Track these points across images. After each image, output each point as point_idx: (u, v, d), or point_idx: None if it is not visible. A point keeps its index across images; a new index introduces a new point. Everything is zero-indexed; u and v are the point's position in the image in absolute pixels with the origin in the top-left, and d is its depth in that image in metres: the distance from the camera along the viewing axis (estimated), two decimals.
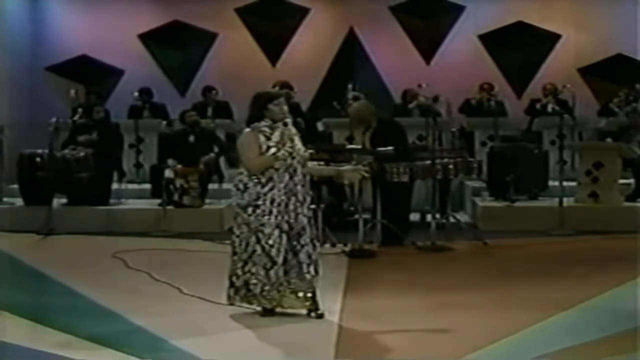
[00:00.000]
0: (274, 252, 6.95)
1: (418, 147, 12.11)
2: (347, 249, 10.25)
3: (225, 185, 13.30)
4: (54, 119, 12.41)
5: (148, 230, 11.77)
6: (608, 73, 15.98)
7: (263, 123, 7.09)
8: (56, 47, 16.54)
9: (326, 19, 16.91)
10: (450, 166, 11.05)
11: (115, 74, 16.69)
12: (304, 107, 15.36)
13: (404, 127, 11.60)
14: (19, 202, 12.85)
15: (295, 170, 7.06)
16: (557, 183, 12.25)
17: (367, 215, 10.84)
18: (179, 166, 12.43)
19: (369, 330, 6.80)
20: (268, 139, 7.02)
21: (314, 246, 7.17)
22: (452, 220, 11.33)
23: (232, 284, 7.14)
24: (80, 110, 13.83)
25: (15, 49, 15.55)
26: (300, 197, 7.07)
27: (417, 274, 9.17)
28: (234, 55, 16.69)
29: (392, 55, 16.67)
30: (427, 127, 12.19)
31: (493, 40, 16.53)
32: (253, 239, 6.99)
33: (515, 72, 16.50)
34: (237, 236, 7.09)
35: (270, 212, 6.96)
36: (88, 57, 16.54)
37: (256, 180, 7.00)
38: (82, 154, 12.67)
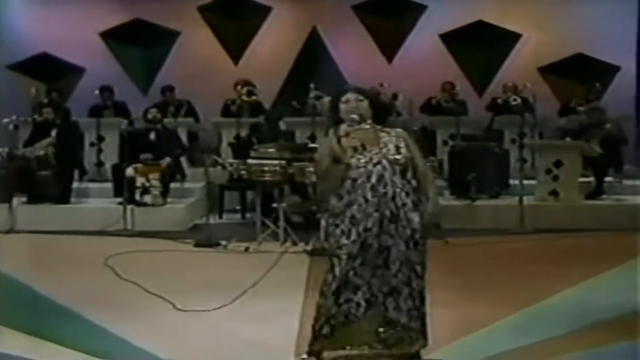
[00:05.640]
0: (342, 280, 5.64)
1: None
2: (308, 247, 10.22)
3: (187, 184, 13.32)
4: (13, 117, 12.31)
5: (109, 229, 11.66)
6: (568, 72, 16.05)
7: (343, 126, 5.73)
8: (17, 45, 16.38)
9: (289, 18, 16.88)
10: None
11: (76, 72, 16.57)
12: (267, 105, 15.36)
13: None
14: None
15: (380, 180, 5.66)
16: (517, 181, 12.28)
17: None
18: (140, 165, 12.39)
19: None
20: (340, 144, 5.67)
21: (405, 273, 5.71)
22: None
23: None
24: (47, 109, 13.70)
25: None
26: (387, 212, 5.62)
27: None
28: (197, 54, 16.62)
29: (354, 54, 16.67)
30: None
31: (454, 40, 16.56)
32: (328, 265, 5.72)
33: (477, 71, 16.54)
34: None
35: (349, 232, 5.64)
36: (49, 55, 16.42)
37: (337, 196, 5.71)
38: (42, 152, 12.57)
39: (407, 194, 5.69)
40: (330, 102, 5.98)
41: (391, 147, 5.75)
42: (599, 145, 12.77)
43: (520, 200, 11.86)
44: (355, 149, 5.67)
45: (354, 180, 5.67)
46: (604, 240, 10.74)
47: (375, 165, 5.68)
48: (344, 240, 5.63)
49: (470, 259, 10.03)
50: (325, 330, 5.77)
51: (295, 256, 9.85)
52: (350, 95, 5.86)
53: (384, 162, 5.69)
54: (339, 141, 5.66)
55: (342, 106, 5.84)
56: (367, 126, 5.79)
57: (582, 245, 10.55)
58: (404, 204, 5.66)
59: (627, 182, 13.51)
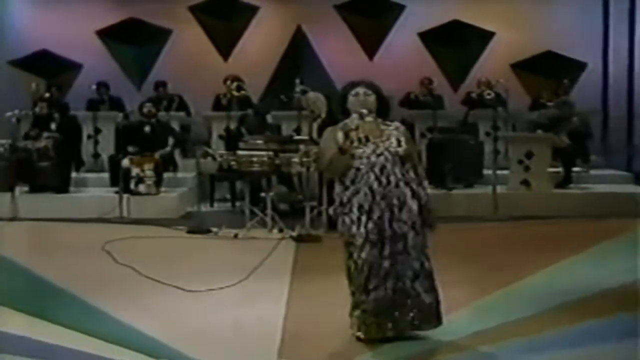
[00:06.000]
0: (367, 268, 5.68)
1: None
2: (294, 234, 10.25)
3: (179, 175, 13.34)
4: (15, 111, 12.30)
5: (106, 216, 11.67)
6: (538, 68, 16.09)
7: (353, 120, 5.80)
8: (18, 42, 16.34)
9: (275, 17, 16.86)
10: None
11: (74, 68, 16.52)
12: (255, 100, 15.34)
13: None
14: None
15: (382, 170, 5.70)
16: (491, 172, 12.34)
17: (313, 203, 10.85)
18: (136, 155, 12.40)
19: (314, 310, 6.80)
20: (347, 136, 5.73)
21: (421, 258, 5.86)
22: None
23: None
24: (44, 104, 13.68)
25: None
26: (395, 200, 5.69)
27: None
28: (188, 51, 16.59)
29: (337, 51, 16.65)
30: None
31: (431, 38, 16.56)
32: (346, 254, 5.78)
33: (453, 68, 16.55)
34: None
35: (359, 221, 5.69)
36: (48, 52, 16.37)
37: (342, 185, 5.77)
38: (42, 144, 12.57)
39: (407, 184, 5.77)
40: (342, 95, 5.99)
41: (393, 140, 5.80)
42: (567, 137, 12.84)
43: (494, 190, 11.91)
44: (359, 140, 5.71)
45: (358, 169, 5.72)
46: (572, 227, 10.81)
47: (378, 156, 5.73)
48: (354, 229, 5.67)
49: (446, 245, 10.00)
50: (357, 314, 5.81)
51: (282, 242, 9.85)
52: (359, 89, 5.95)
53: (386, 153, 5.74)
54: (347, 134, 5.71)
55: (351, 99, 5.91)
56: (371, 119, 5.83)
57: (552, 231, 10.60)
58: (404, 193, 5.74)
59: (594, 172, 13.58)
